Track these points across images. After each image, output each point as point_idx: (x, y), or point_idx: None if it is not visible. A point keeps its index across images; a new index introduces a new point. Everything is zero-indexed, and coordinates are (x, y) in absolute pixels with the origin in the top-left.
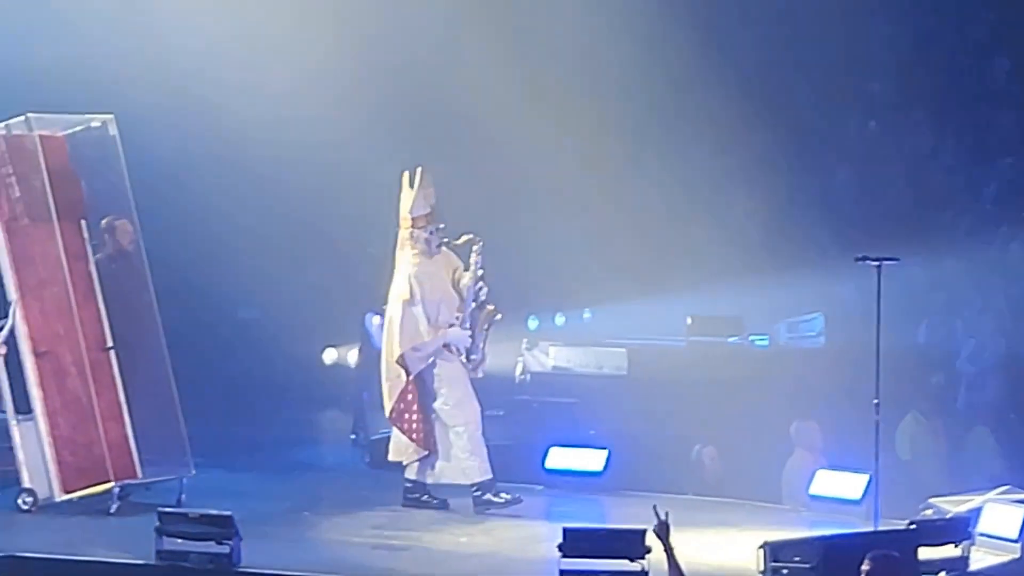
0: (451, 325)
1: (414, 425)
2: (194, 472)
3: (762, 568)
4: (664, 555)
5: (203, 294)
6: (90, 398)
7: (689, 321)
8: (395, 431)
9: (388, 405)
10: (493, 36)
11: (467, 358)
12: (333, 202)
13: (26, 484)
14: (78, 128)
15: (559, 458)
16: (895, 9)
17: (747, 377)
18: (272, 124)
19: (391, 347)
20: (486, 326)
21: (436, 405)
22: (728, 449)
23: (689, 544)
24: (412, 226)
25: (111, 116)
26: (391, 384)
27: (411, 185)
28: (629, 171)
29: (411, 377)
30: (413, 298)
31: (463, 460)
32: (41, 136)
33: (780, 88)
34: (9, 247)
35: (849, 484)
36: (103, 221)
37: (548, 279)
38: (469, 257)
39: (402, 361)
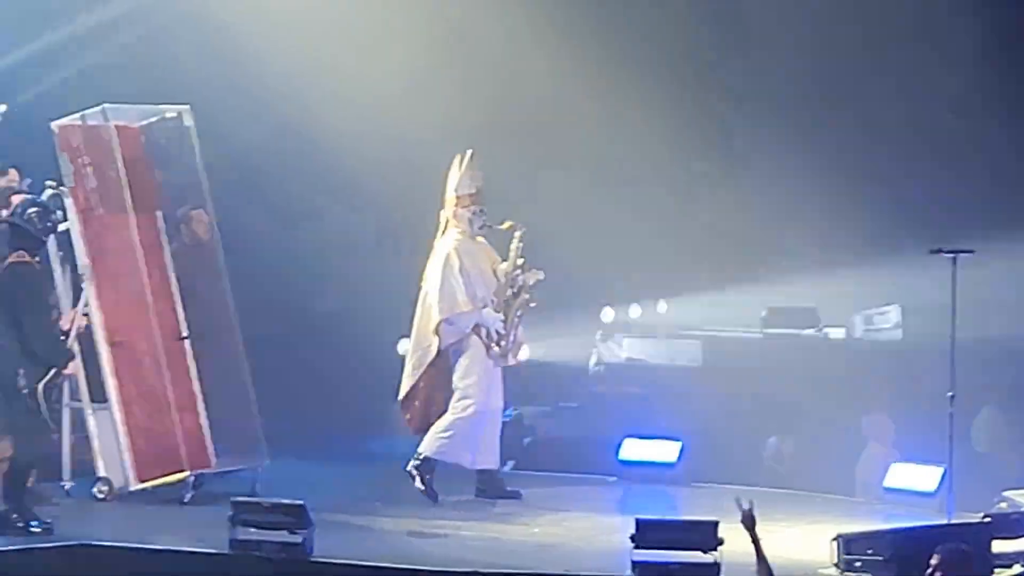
0: (485, 307)
1: (416, 405)
2: (268, 462)
3: (836, 560)
4: (752, 547)
5: (279, 285)
6: (165, 388)
7: (764, 313)
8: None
9: (411, 378)
10: (569, 31)
11: (497, 344)
12: (411, 193)
13: (101, 473)
14: (153, 119)
15: (633, 449)
16: (974, 1)
17: (822, 369)
18: (353, 116)
19: (427, 317)
20: (519, 313)
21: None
22: (802, 441)
23: (762, 537)
24: (457, 204)
25: (187, 107)
26: (419, 356)
27: (460, 166)
28: (705, 163)
29: (439, 352)
30: (453, 268)
31: (433, 432)
32: (117, 127)
33: (856, 81)
34: (85, 237)
35: (923, 477)
36: (179, 211)
37: (623, 270)
38: (510, 244)
39: (439, 329)
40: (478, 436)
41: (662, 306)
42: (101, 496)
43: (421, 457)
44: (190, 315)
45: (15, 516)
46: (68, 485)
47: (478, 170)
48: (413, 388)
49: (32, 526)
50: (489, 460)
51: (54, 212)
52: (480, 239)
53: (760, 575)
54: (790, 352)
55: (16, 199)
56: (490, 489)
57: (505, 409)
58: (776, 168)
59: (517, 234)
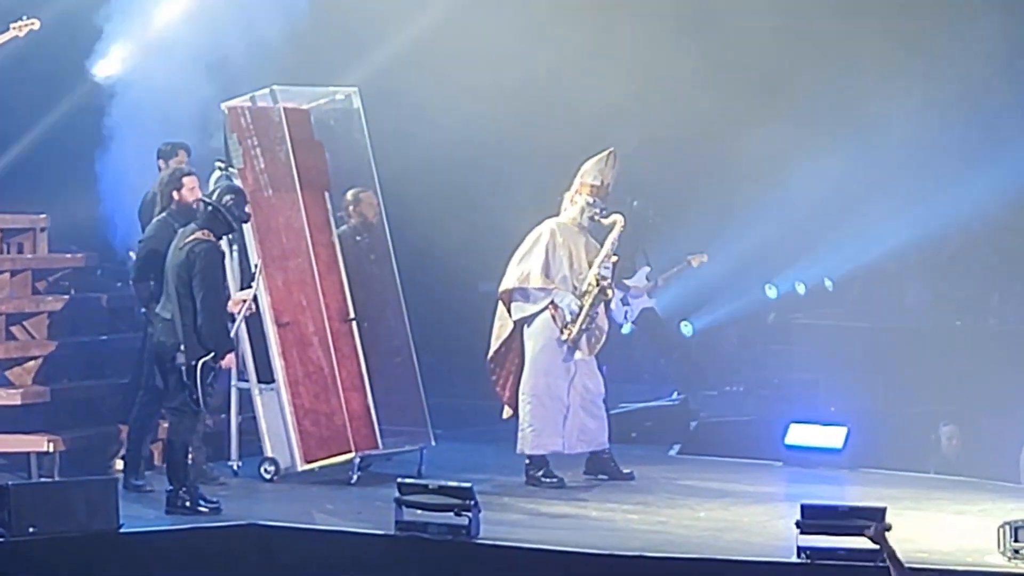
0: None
1: (507, 376)
2: (434, 443)
3: (1002, 548)
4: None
5: (444, 267)
6: (332, 368)
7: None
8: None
9: (494, 346)
10: (718, 31)
11: (566, 328)
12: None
13: (268, 453)
14: (322, 100)
15: (799, 434)
16: None
17: (990, 356)
18: (522, 101)
19: (503, 284)
20: (597, 303)
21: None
22: (970, 428)
23: (928, 523)
24: (578, 190)
25: (355, 88)
26: (501, 324)
27: (598, 160)
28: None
29: (515, 324)
30: (541, 242)
31: (520, 429)
32: (285, 108)
33: None
34: (253, 218)
35: None
36: (348, 193)
37: (787, 246)
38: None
39: (505, 296)
40: (558, 421)
41: (828, 284)
42: (268, 476)
43: (536, 463)
44: (358, 297)
45: (183, 494)
46: (236, 465)
47: (613, 168)
48: (496, 353)
49: (200, 505)
50: (582, 443)
51: (248, 201)
52: (584, 230)
53: None
54: (958, 338)
55: (188, 180)
56: (603, 472)
57: (672, 393)
58: (945, 153)
59: (616, 230)
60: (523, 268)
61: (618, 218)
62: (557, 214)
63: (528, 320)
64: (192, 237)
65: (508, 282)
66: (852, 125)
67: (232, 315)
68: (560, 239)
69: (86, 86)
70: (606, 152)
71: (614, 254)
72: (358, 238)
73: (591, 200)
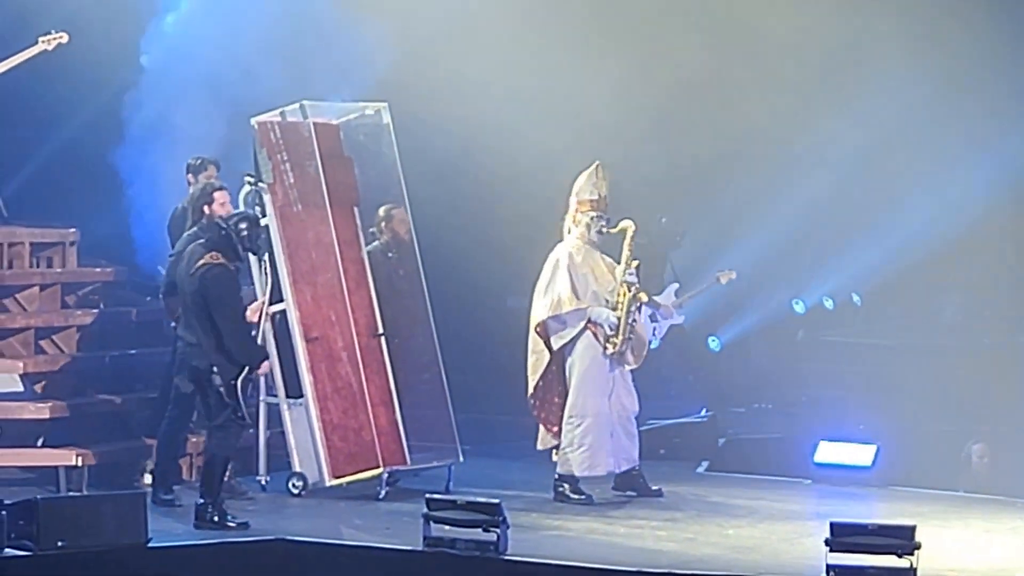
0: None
1: (553, 410)
2: (463, 459)
3: None
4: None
5: (472, 282)
6: (361, 384)
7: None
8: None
9: (532, 381)
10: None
11: (608, 341)
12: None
13: (296, 468)
14: (352, 116)
15: (828, 452)
16: None
17: (1021, 374)
18: (545, 117)
19: (534, 317)
20: (633, 309)
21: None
22: (1001, 447)
23: (958, 541)
24: (577, 209)
25: (384, 104)
26: (536, 358)
27: (586, 176)
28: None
29: (553, 353)
30: (561, 267)
31: (565, 451)
32: (315, 123)
33: None
34: (283, 233)
35: None
36: (380, 209)
37: (815, 262)
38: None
39: (541, 330)
40: (608, 440)
41: (856, 299)
42: (296, 491)
43: (567, 480)
44: (387, 312)
45: (211, 509)
46: (264, 480)
47: (604, 179)
48: (536, 389)
49: (228, 520)
50: (626, 462)
51: (264, 231)
52: (596, 246)
53: None
54: (987, 356)
55: (219, 195)
56: (631, 489)
57: (700, 410)
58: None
59: (630, 235)
60: (551, 296)
61: (627, 223)
62: (561, 239)
63: (569, 346)
64: (202, 262)
65: (539, 314)
66: (875, 132)
67: (253, 324)
68: (579, 258)
69: (111, 92)
70: (592, 166)
71: (634, 259)
72: (390, 254)
73: (594, 215)
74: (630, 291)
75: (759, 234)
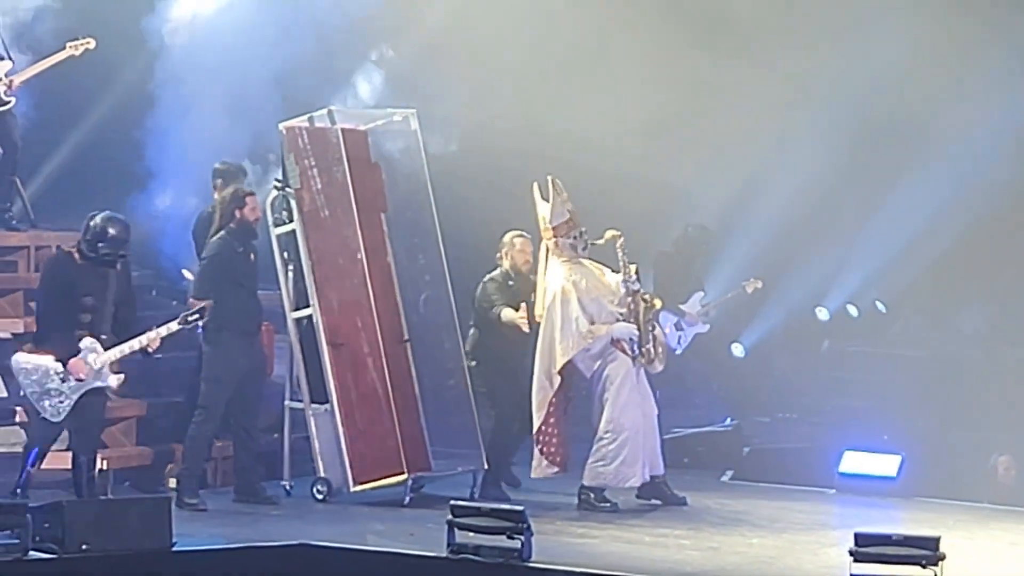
0: (616, 321)
1: (554, 440)
2: (487, 466)
3: None
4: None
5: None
6: (386, 390)
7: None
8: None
9: (539, 416)
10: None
11: (639, 354)
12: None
13: (321, 474)
14: (380, 122)
15: (853, 462)
16: None
17: None
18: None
19: (550, 355)
20: (649, 317)
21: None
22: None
23: (982, 553)
24: (555, 235)
25: (413, 110)
26: (543, 395)
27: (544, 196)
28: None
29: (557, 389)
30: (570, 302)
31: (596, 466)
32: (343, 129)
33: None
34: (309, 238)
35: None
36: (505, 236)
37: (841, 269)
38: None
39: (573, 367)
40: (639, 451)
41: (880, 306)
42: (320, 497)
43: (593, 490)
44: (413, 319)
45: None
46: (288, 485)
47: (564, 193)
48: (544, 423)
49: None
50: (652, 468)
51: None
52: (586, 260)
53: None
54: (1014, 366)
55: (251, 200)
56: (656, 497)
57: (724, 419)
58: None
59: (619, 243)
60: (569, 338)
61: (611, 232)
62: (545, 272)
63: (600, 367)
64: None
65: (564, 357)
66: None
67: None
68: (583, 283)
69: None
70: (548, 185)
71: (630, 263)
72: (510, 283)
73: (575, 233)
74: (645, 301)
75: (776, 234)
